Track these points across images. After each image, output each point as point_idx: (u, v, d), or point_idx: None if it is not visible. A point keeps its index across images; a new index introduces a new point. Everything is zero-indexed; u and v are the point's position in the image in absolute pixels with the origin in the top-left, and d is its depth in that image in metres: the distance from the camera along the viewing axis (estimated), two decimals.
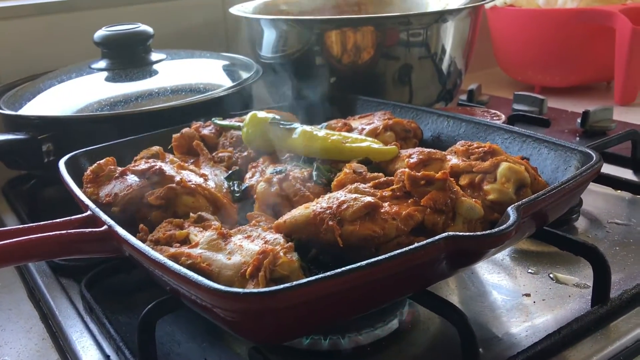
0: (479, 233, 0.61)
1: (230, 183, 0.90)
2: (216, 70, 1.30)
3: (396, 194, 0.71)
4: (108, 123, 1.06)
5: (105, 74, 1.20)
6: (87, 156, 0.92)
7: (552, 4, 1.68)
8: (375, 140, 0.91)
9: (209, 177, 0.87)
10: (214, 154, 0.97)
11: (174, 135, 0.99)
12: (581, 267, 0.86)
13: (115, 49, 1.22)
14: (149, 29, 1.24)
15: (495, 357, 0.70)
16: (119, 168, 0.84)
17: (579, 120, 1.37)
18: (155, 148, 0.93)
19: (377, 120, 0.99)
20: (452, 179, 0.72)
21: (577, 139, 1.35)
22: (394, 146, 0.89)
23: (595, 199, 1.06)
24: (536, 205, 0.67)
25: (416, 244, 0.58)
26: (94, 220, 0.72)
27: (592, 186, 1.06)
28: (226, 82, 1.20)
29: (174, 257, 0.64)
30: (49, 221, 0.72)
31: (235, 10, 1.37)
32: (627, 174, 1.16)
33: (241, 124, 0.98)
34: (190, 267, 0.62)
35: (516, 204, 0.65)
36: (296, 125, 0.94)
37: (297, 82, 1.23)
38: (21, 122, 1.09)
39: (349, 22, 1.23)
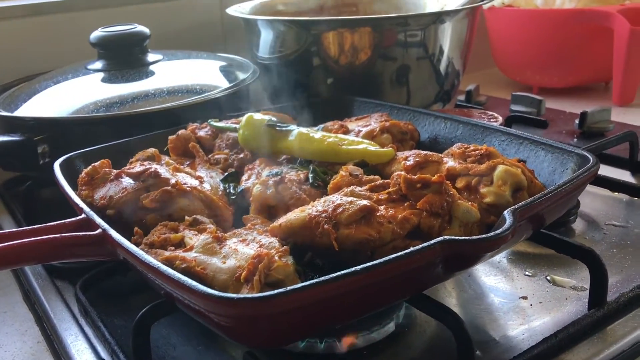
0: (474, 237, 0.60)
1: (226, 185, 0.89)
2: (213, 71, 1.30)
3: (392, 197, 0.71)
4: (104, 125, 1.06)
5: (101, 75, 1.20)
6: (82, 158, 0.91)
7: (550, 5, 1.68)
8: (372, 143, 0.91)
9: (204, 180, 0.86)
10: (210, 156, 0.97)
11: (170, 137, 0.99)
12: (578, 270, 0.86)
13: (111, 50, 1.22)
14: (146, 30, 1.23)
15: None
16: (114, 170, 0.84)
17: (576, 121, 1.37)
18: (151, 150, 0.92)
19: (374, 122, 0.98)
20: (448, 182, 0.72)
21: (575, 140, 1.35)
22: (390, 148, 0.89)
23: (593, 200, 1.06)
24: (533, 209, 0.67)
25: (412, 248, 0.58)
26: (89, 224, 0.71)
27: (590, 188, 1.06)
28: (223, 83, 1.20)
29: (168, 261, 0.63)
30: (43, 224, 0.71)
31: (232, 10, 1.37)
32: (624, 175, 1.15)
33: (237, 126, 0.97)
34: (184, 271, 0.62)
35: (512, 207, 0.65)
36: (292, 127, 0.94)
37: (294, 84, 1.23)
38: (16, 124, 1.09)
39: (346, 22, 1.23)
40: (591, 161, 0.76)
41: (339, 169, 0.82)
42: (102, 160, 0.86)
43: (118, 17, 1.42)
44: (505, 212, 0.64)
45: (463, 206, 0.69)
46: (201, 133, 1.01)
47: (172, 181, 0.80)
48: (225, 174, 0.93)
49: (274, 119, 0.96)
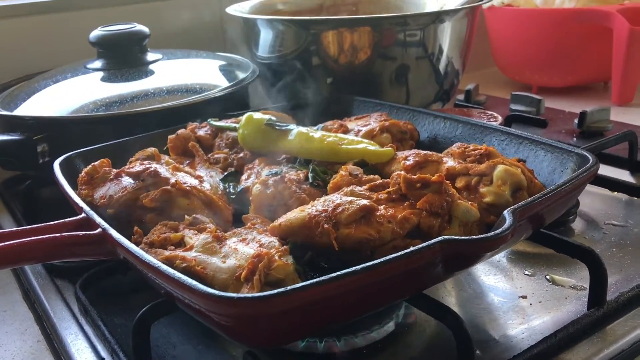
0: (474, 237, 0.60)
1: (226, 185, 0.89)
2: (212, 70, 1.30)
3: (392, 196, 0.71)
4: (103, 124, 1.06)
5: (100, 74, 1.20)
6: (82, 157, 0.91)
7: (549, 4, 1.68)
8: (372, 142, 0.91)
9: (204, 179, 0.86)
10: (209, 155, 0.97)
11: (170, 137, 0.99)
12: (578, 269, 0.86)
13: (111, 49, 1.21)
14: (145, 29, 1.23)
15: (492, 359, 0.70)
16: (114, 170, 0.84)
17: (576, 120, 1.37)
18: (151, 149, 0.92)
19: (374, 121, 0.98)
20: (448, 181, 0.72)
21: (574, 139, 1.35)
22: (390, 148, 0.89)
23: (592, 200, 1.06)
24: (532, 209, 0.67)
25: (412, 248, 0.58)
26: (88, 223, 0.71)
27: (589, 187, 1.06)
28: (222, 83, 1.19)
29: (168, 261, 0.63)
30: (42, 224, 0.71)
31: (232, 10, 1.36)
32: (624, 175, 1.15)
33: (237, 125, 0.97)
34: (184, 270, 0.62)
35: (512, 207, 0.65)
36: (292, 126, 0.94)
37: (294, 83, 1.23)
38: (16, 123, 1.09)
39: (345, 22, 1.23)
40: (591, 161, 0.76)
41: (339, 169, 0.82)
42: (102, 159, 0.86)
43: (117, 16, 1.41)
44: (505, 211, 0.64)
45: (463, 206, 0.69)
46: (201, 132, 1.01)
47: (172, 180, 0.80)
48: (225, 173, 0.93)
49: (273, 118, 0.96)
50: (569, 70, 1.68)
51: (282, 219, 0.70)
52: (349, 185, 0.75)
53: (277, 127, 0.93)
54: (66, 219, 0.73)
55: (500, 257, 0.91)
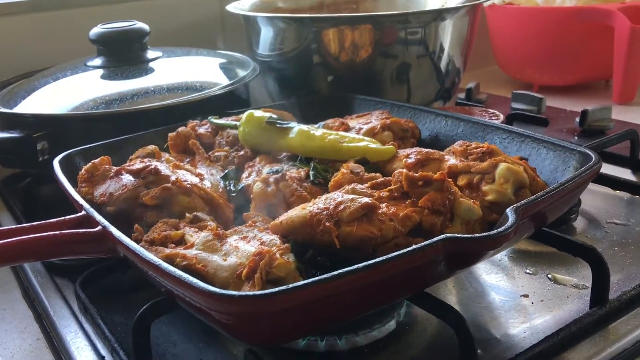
0: (477, 235, 0.60)
1: (227, 183, 0.89)
2: (213, 68, 1.29)
3: (394, 194, 0.71)
4: (103, 121, 1.05)
5: (100, 71, 1.20)
6: (82, 155, 0.91)
7: (550, 2, 1.68)
8: (373, 140, 0.90)
9: (205, 177, 0.86)
10: (210, 153, 0.97)
11: (170, 134, 0.98)
12: (580, 268, 0.86)
13: (111, 47, 1.21)
14: (145, 27, 1.23)
15: (493, 358, 0.69)
16: (114, 167, 0.84)
17: (577, 119, 1.37)
18: (151, 147, 0.92)
19: (375, 119, 0.98)
20: (450, 179, 0.72)
21: (576, 138, 1.34)
22: (391, 146, 0.88)
23: (594, 198, 1.06)
24: (535, 207, 0.67)
25: (414, 246, 0.58)
26: (89, 221, 0.71)
27: (591, 186, 1.05)
28: (223, 81, 1.19)
29: (169, 258, 0.63)
30: (42, 221, 0.71)
31: (232, 7, 1.36)
32: (625, 173, 1.15)
33: (237, 123, 0.97)
34: (185, 268, 0.62)
35: (515, 205, 0.65)
36: (293, 124, 0.93)
37: (294, 81, 1.23)
38: (16, 120, 1.08)
39: (346, 20, 1.22)
40: (593, 159, 0.76)
41: (340, 167, 0.81)
42: (102, 157, 0.86)
43: (117, 14, 1.41)
44: (508, 209, 0.64)
45: (465, 204, 0.69)
46: (201, 130, 1.01)
47: (173, 178, 0.79)
48: (226, 171, 0.92)
49: (274, 116, 0.96)
50: (570, 69, 1.68)
51: (283, 217, 0.70)
52: (351, 183, 0.75)
53: (278, 125, 0.93)
54: (66, 217, 0.72)
55: (502, 255, 0.90)
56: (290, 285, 0.52)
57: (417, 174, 0.71)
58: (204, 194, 0.79)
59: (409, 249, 0.57)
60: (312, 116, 1.06)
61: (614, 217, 1.00)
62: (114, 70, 1.19)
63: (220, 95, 1.12)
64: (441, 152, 0.84)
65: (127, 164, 0.84)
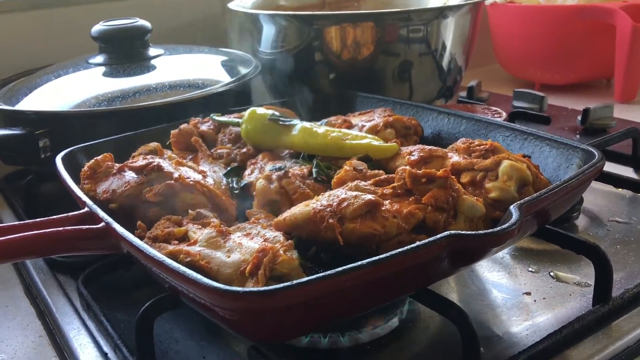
0: (481, 232, 0.60)
1: (229, 180, 0.89)
2: (215, 65, 1.29)
3: (397, 191, 0.71)
4: (105, 119, 1.05)
5: (102, 69, 1.20)
6: (84, 152, 0.91)
7: (552, 1, 1.68)
8: (376, 137, 0.90)
9: (207, 174, 0.86)
10: (212, 151, 0.97)
11: (172, 132, 0.98)
12: (582, 266, 0.86)
13: (113, 44, 1.21)
14: (147, 24, 1.23)
15: (496, 356, 0.69)
16: (117, 164, 0.84)
17: (579, 117, 1.37)
18: (154, 144, 0.92)
19: (377, 117, 0.98)
20: (453, 176, 0.72)
21: (578, 136, 1.34)
22: (394, 143, 0.88)
23: (596, 197, 1.06)
24: (538, 204, 0.67)
25: (418, 243, 0.58)
26: (92, 217, 0.71)
27: (593, 184, 1.05)
28: (225, 78, 1.19)
29: (173, 255, 0.63)
30: (45, 218, 0.71)
31: (234, 5, 1.36)
32: (627, 172, 1.15)
33: (240, 120, 0.97)
34: (189, 264, 0.62)
35: (519, 202, 0.65)
36: (296, 121, 0.93)
37: (296, 78, 1.23)
38: (18, 117, 1.08)
39: (348, 17, 1.22)
40: (597, 157, 0.76)
41: (343, 164, 0.81)
42: (105, 154, 0.86)
43: (119, 11, 1.41)
44: (512, 206, 0.64)
45: (468, 201, 0.69)
46: (203, 127, 1.01)
47: (175, 175, 0.79)
48: (228, 168, 0.92)
49: (277, 113, 0.96)
50: (572, 68, 1.68)
51: (286, 214, 0.70)
52: (354, 180, 0.75)
53: (280, 122, 0.93)
54: (69, 213, 0.72)
55: (504, 253, 0.90)
56: (294, 282, 0.52)
57: (420, 171, 0.71)
58: (206, 191, 0.79)
59: (413, 245, 0.57)
60: (314, 113, 1.06)
61: (616, 215, 1.00)
62: (116, 68, 1.19)
63: (223, 92, 1.12)
64: (444, 150, 0.84)
65: (129, 161, 0.84)
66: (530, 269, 0.86)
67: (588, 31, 1.59)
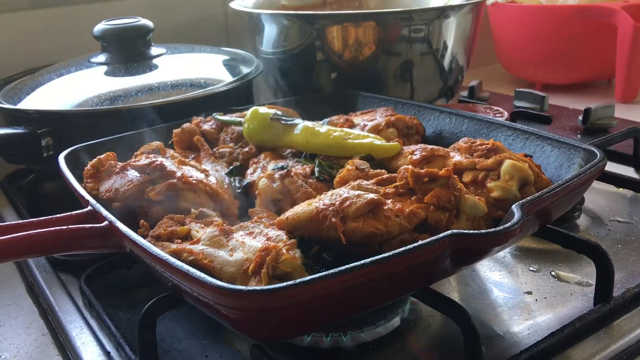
0: (483, 231, 0.60)
1: (232, 179, 0.89)
2: (217, 65, 1.29)
3: (399, 191, 0.71)
4: (108, 118, 1.06)
5: (104, 68, 1.20)
6: (87, 151, 0.91)
7: (553, 1, 1.68)
8: (378, 137, 0.90)
9: (210, 173, 0.86)
10: (214, 150, 0.97)
11: (175, 131, 0.98)
12: (583, 265, 0.86)
13: (115, 43, 1.21)
14: (149, 23, 1.23)
15: (497, 355, 0.70)
16: (120, 163, 0.84)
17: (580, 117, 1.37)
18: (156, 143, 0.92)
19: (379, 116, 0.98)
20: (455, 176, 0.72)
21: (579, 136, 1.35)
22: (396, 143, 0.88)
23: (597, 196, 1.06)
24: (540, 203, 0.67)
25: (420, 242, 0.58)
26: (95, 216, 0.71)
27: (594, 184, 1.05)
28: (227, 77, 1.19)
29: (176, 254, 0.63)
30: (48, 216, 0.71)
31: (236, 4, 1.36)
32: (629, 171, 1.15)
33: (242, 120, 0.97)
34: (192, 263, 0.62)
35: (521, 201, 0.65)
36: (298, 121, 0.94)
37: (298, 78, 1.23)
38: (20, 116, 1.08)
39: (350, 17, 1.22)
40: (598, 156, 0.76)
41: (345, 163, 0.81)
42: (107, 152, 0.86)
43: (121, 11, 1.41)
44: (514, 206, 0.64)
45: (470, 200, 0.69)
46: (206, 127, 1.01)
47: (178, 174, 0.80)
48: (231, 167, 0.92)
49: (279, 112, 0.96)
50: (573, 67, 1.68)
51: (289, 213, 0.70)
52: (356, 179, 0.75)
53: (282, 122, 0.93)
54: (72, 212, 0.72)
55: (505, 253, 0.91)
56: (297, 281, 0.52)
57: (422, 171, 0.71)
58: (209, 190, 0.80)
59: (415, 244, 0.57)
60: (316, 113, 1.06)
61: (617, 215, 1.00)
62: (118, 67, 1.19)
63: (225, 92, 1.12)
64: (446, 149, 0.84)
65: (132, 160, 0.85)
66: (531, 269, 0.87)
67: (589, 31, 1.59)
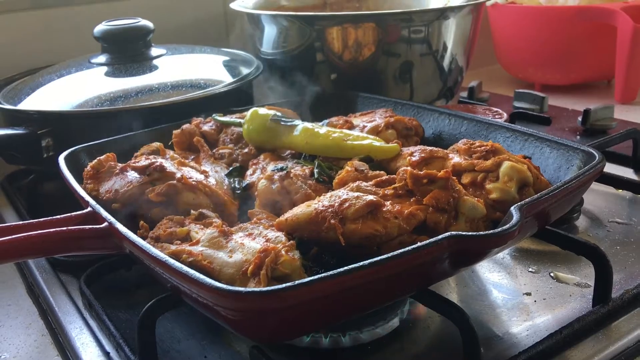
0: (482, 233, 0.60)
1: (231, 180, 0.89)
2: (216, 66, 1.30)
3: (398, 192, 0.71)
4: (108, 118, 1.06)
5: (105, 68, 1.20)
6: (86, 152, 0.91)
7: (553, 2, 1.68)
8: (377, 138, 0.91)
9: (209, 174, 0.86)
10: (214, 151, 0.97)
11: (175, 132, 0.99)
12: (582, 267, 0.86)
13: (115, 44, 1.21)
14: (150, 24, 1.23)
15: (496, 356, 0.70)
16: (119, 164, 0.84)
17: (579, 118, 1.37)
18: (156, 144, 0.92)
19: (379, 117, 0.98)
20: (454, 177, 0.72)
21: (578, 137, 1.35)
22: (395, 144, 0.88)
23: (596, 197, 1.06)
24: (539, 205, 0.67)
25: (419, 244, 0.58)
26: (95, 217, 0.71)
27: (593, 185, 1.05)
28: (227, 78, 1.19)
29: (175, 255, 0.63)
30: (48, 217, 0.71)
31: (236, 5, 1.36)
32: (628, 173, 1.15)
33: (242, 121, 0.98)
34: (191, 264, 0.62)
35: (519, 203, 0.65)
36: (297, 122, 0.94)
37: (298, 79, 1.23)
38: (20, 117, 1.09)
39: (350, 18, 1.22)
40: (597, 158, 0.76)
41: (344, 164, 0.82)
42: (107, 153, 0.86)
43: (122, 11, 1.41)
44: (512, 208, 0.64)
45: (469, 202, 0.69)
46: (205, 127, 1.01)
47: (178, 175, 0.80)
48: (230, 168, 0.93)
49: (278, 113, 0.96)
50: (572, 68, 1.68)
51: (288, 214, 0.70)
52: (355, 180, 0.75)
53: (282, 123, 0.93)
54: (72, 213, 0.73)
55: (504, 254, 0.91)
56: (297, 282, 0.53)
57: (421, 172, 0.71)
58: (209, 191, 0.80)
59: (414, 246, 0.58)
60: (315, 114, 1.06)
61: (616, 216, 1.00)
62: (118, 68, 1.19)
63: (225, 92, 1.12)
64: (445, 151, 0.85)
65: (132, 161, 0.85)
66: (530, 270, 0.87)
67: (589, 32, 1.59)
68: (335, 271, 0.54)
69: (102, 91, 1.11)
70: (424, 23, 1.21)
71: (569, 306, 0.78)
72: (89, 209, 0.73)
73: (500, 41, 1.80)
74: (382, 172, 0.79)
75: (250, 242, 0.65)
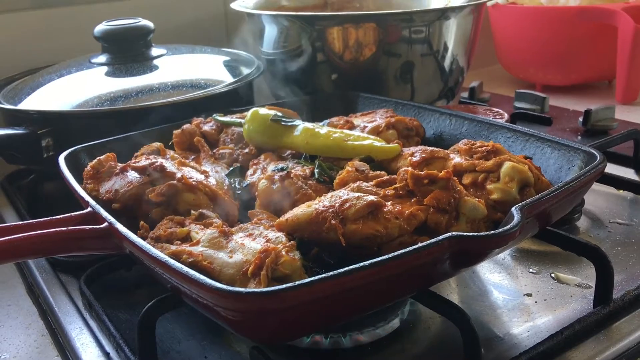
0: (483, 233, 0.60)
1: (232, 180, 0.89)
2: (217, 65, 1.30)
3: (399, 192, 0.71)
4: (108, 118, 1.06)
5: (105, 68, 1.20)
6: (87, 152, 0.91)
7: (554, 2, 1.68)
8: (378, 138, 0.90)
9: (210, 174, 0.86)
10: (214, 151, 0.97)
11: (175, 132, 0.99)
12: (583, 267, 0.86)
13: (115, 44, 1.21)
14: (150, 24, 1.23)
15: (496, 357, 0.70)
16: (120, 164, 0.84)
17: (580, 119, 1.37)
18: (156, 144, 0.92)
19: (379, 118, 0.98)
20: (455, 178, 0.72)
21: (579, 137, 1.35)
22: (396, 144, 0.88)
23: (597, 198, 1.06)
24: (540, 206, 0.67)
25: (420, 244, 0.58)
26: (94, 217, 0.71)
27: (594, 185, 1.05)
28: (227, 78, 1.19)
29: (175, 255, 0.63)
30: (48, 218, 0.71)
31: (237, 5, 1.36)
32: (629, 173, 1.15)
33: (242, 121, 0.97)
34: (191, 265, 0.62)
35: (520, 204, 0.65)
36: (298, 122, 0.94)
37: (298, 79, 1.23)
38: (20, 117, 1.08)
39: (351, 18, 1.22)
40: (598, 158, 0.76)
41: (345, 165, 0.82)
42: (107, 153, 0.86)
43: (122, 11, 1.41)
44: (513, 208, 0.64)
45: (470, 202, 0.69)
46: (206, 128, 1.01)
47: (178, 175, 0.80)
48: (230, 168, 0.92)
49: (279, 113, 0.96)
50: (573, 69, 1.68)
51: (288, 215, 0.70)
52: (356, 181, 0.75)
53: (282, 123, 0.93)
54: (72, 213, 0.73)
55: (505, 254, 0.91)
56: (297, 283, 0.52)
57: (422, 173, 0.71)
58: (209, 192, 0.80)
59: (415, 246, 0.57)
60: (316, 114, 1.06)
61: (617, 217, 1.00)
62: (118, 68, 1.19)
63: (225, 92, 1.12)
64: (446, 151, 0.84)
65: (132, 161, 0.85)
66: (531, 270, 0.87)
67: (590, 32, 1.59)
68: (335, 272, 0.53)
69: (102, 91, 1.11)
70: (425, 23, 1.20)
71: (570, 307, 0.78)
72: (89, 209, 0.73)
73: (501, 41, 1.80)
74: (382, 172, 0.79)
75: (250, 242, 0.65)
